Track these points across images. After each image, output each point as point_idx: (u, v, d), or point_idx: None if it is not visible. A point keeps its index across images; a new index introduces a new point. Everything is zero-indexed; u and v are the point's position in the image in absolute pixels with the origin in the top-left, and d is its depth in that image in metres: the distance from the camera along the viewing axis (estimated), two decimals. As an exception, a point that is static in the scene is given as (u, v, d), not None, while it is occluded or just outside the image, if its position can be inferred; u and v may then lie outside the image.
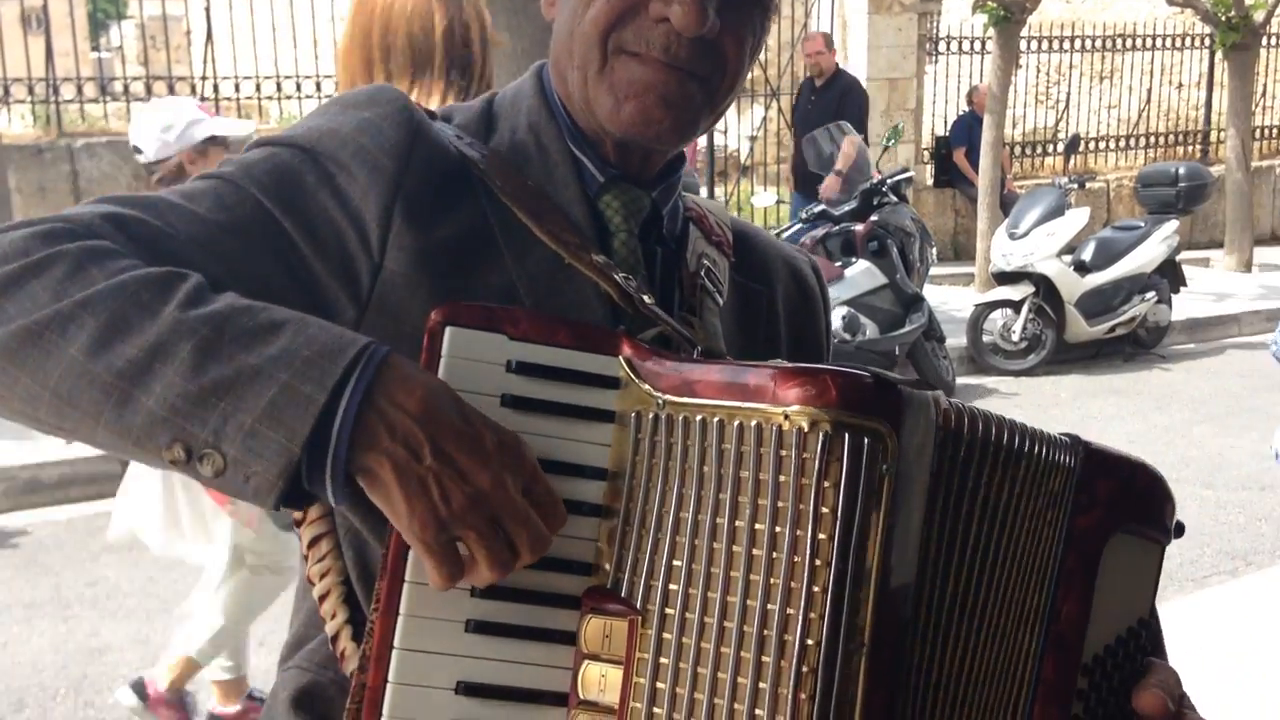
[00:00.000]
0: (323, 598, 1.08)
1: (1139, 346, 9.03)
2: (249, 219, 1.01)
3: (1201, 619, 4.50)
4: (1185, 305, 9.75)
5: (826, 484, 0.85)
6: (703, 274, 1.16)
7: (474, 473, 0.86)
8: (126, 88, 10.24)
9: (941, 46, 12.89)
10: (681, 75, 1.06)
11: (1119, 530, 1.02)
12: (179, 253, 0.95)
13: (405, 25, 2.29)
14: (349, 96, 1.10)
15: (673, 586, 0.91)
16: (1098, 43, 13.69)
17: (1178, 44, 14.03)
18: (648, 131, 1.08)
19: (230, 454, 0.84)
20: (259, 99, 10.58)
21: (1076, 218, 8.68)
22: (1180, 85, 14.62)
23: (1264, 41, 12.82)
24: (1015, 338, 8.45)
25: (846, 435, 0.85)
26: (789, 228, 8.98)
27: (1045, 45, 13.46)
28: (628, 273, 1.09)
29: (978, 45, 12.57)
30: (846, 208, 8.06)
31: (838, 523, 0.85)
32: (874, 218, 7.89)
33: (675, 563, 0.91)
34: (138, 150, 3.65)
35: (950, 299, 10.23)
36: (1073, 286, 8.56)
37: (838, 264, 7.79)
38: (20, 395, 0.87)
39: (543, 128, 1.13)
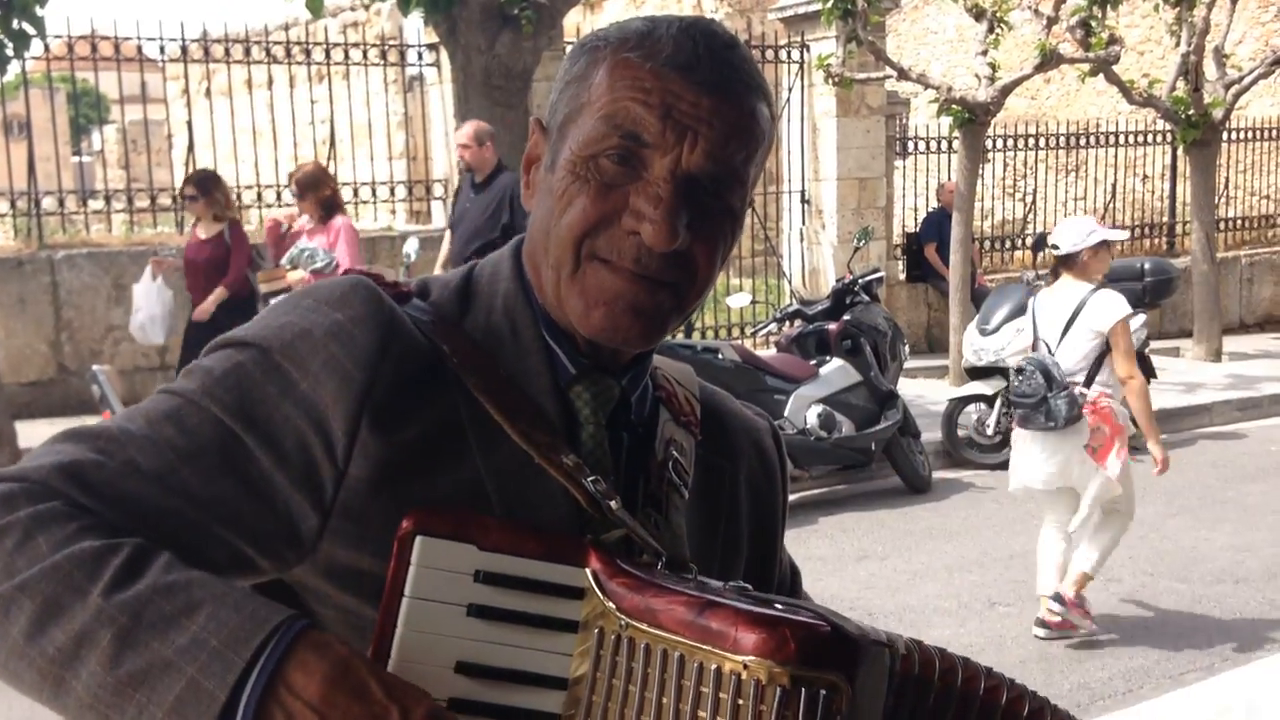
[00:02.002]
0: None
1: (1112, 439, 9.11)
2: (208, 442, 1.03)
3: (1177, 718, 4.51)
4: (1156, 396, 9.80)
5: None
6: (670, 466, 1.17)
7: None
8: (108, 198, 10.36)
9: (910, 146, 13.18)
10: (652, 284, 1.08)
11: None
12: (134, 494, 1.00)
13: None
14: (323, 292, 1.10)
15: None
16: (1063, 139, 14.01)
17: (1140, 140, 14.38)
18: (615, 338, 1.10)
19: None
20: (239, 206, 10.71)
21: (1046, 313, 8.82)
22: (1145, 177, 14.95)
23: (1224, 136, 13.15)
24: (989, 431, 8.53)
25: (802, 690, 0.89)
26: (761, 326, 9.11)
27: (1011, 143, 13.77)
28: (595, 466, 1.11)
29: (945, 144, 12.85)
30: (820, 307, 8.20)
31: None
32: (847, 317, 8.02)
33: None
34: (1055, 246, 5.29)
35: (925, 392, 10.33)
36: (1044, 381, 8.67)
37: (812, 362, 7.90)
38: None
39: (518, 314, 1.15)
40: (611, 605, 0.98)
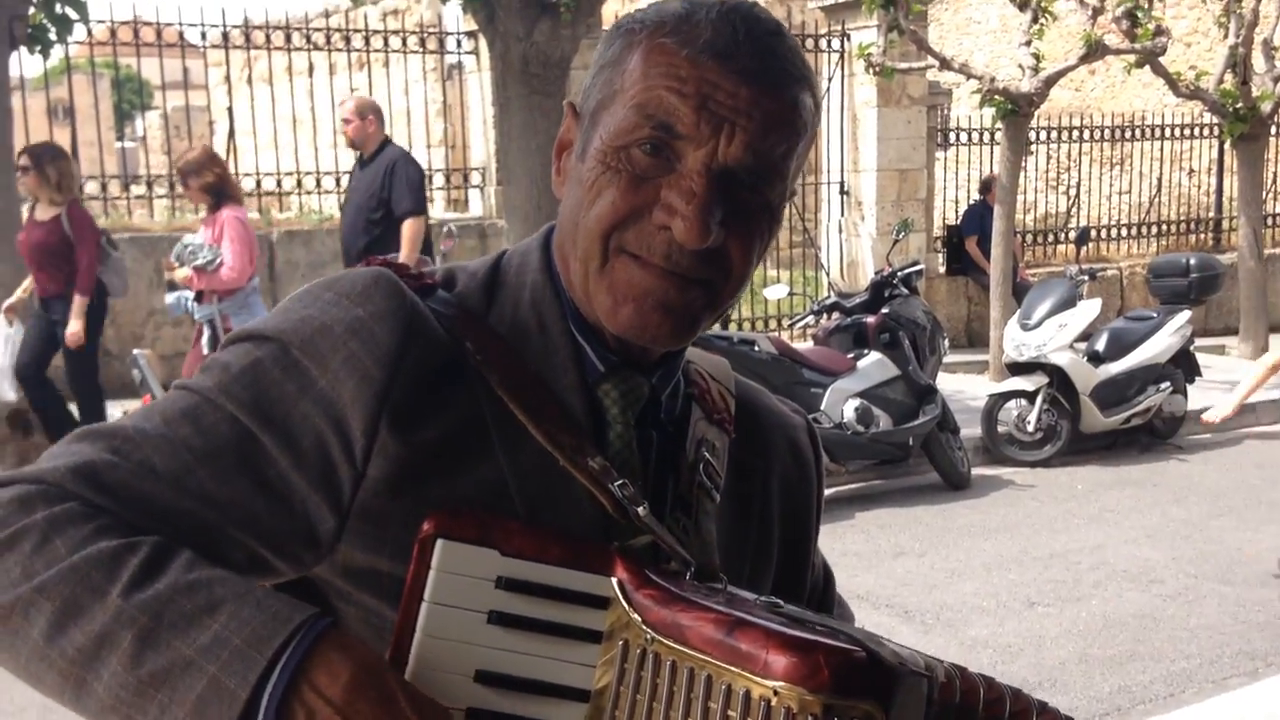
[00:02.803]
0: None
1: (1155, 437, 8.99)
2: (225, 442, 1.01)
3: (1222, 724, 4.43)
4: (1201, 394, 9.71)
5: None
6: (701, 468, 1.13)
7: None
8: (150, 183, 10.44)
9: (952, 137, 13.05)
10: (683, 282, 1.04)
11: None
12: (149, 494, 0.98)
13: None
14: (344, 284, 1.07)
15: None
16: (1107, 132, 13.83)
17: (1187, 133, 14.16)
18: (644, 335, 1.06)
19: None
20: (279, 193, 10.76)
21: (1088, 308, 8.70)
22: (1191, 172, 14.74)
23: (1272, 131, 12.93)
24: (1030, 428, 8.43)
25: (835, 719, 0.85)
26: (798, 318, 9.04)
27: (1055, 135, 13.60)
28: (623, 467, 1.07)
29: (987, 136, 12.71)
30: (858, 300, 8.12)
31: None
32: (885, 310, 7.94)
33: None
34: None
35: (965, 387, 10.23)
36: (1087, 377, 8.57)
37: (850, 355, 7.83)
38: (4, 666, 0.96)
39: (546, 308, 1.11)
40: (637, 618, 0.94)
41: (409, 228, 7.04)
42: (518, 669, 0.96)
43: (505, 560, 0.96)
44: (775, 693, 0.85)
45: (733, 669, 0.87)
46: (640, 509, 1.03)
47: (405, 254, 6.91)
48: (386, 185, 7.08)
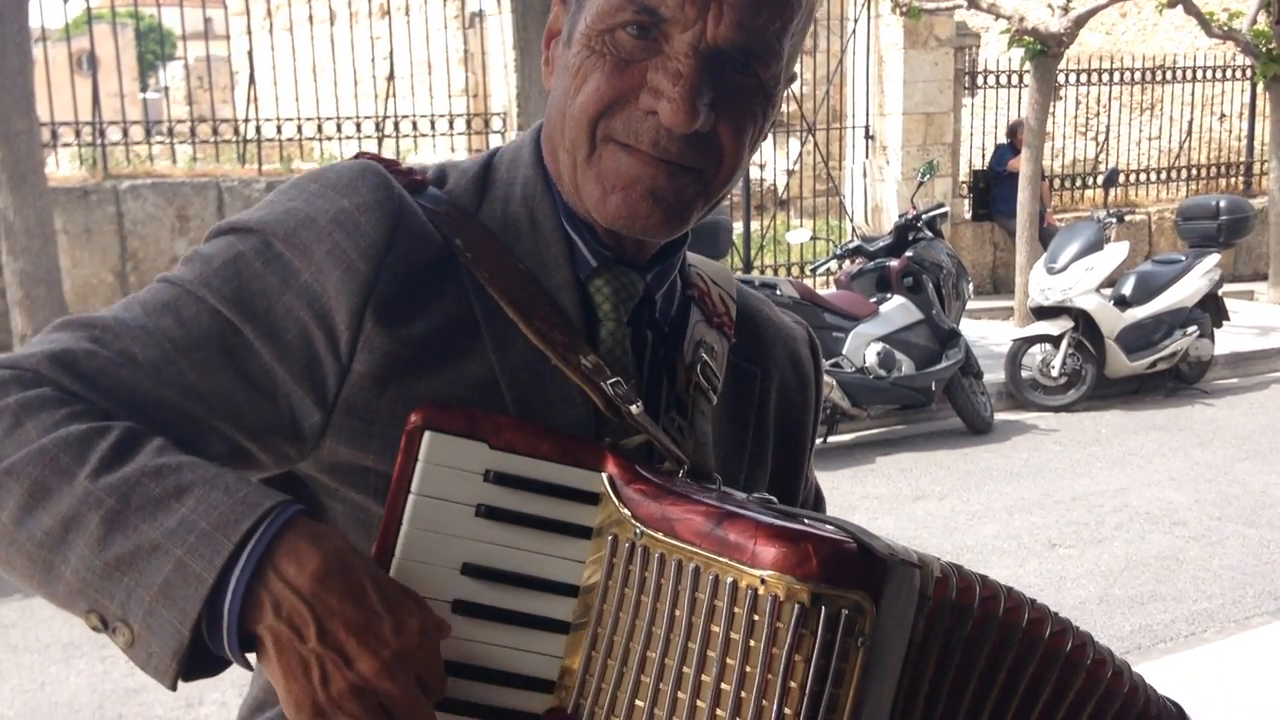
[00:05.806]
0: None
1: (1181, 381, 8.92)
2: (206, 333, 0.99)
3: (1243, 660, 4.41)
4: (1228, 339, 9.63)
5: (797, 657, 0.83)
6: (698, 369, 1.10)
7: (360, 659, 0.86)
8: (171, 130, 10.44)
9: (979, 80, 12.87)
10: (672, 168, 1.01)
11: None
12: (127, 383, 0.96)
13: None
14: (330, 176, 1.04)
15: None
16: (1137, 74, 13.61)
17: (1219, 75, 13.92)
18: (634, 226, 1.03)
19: (136, 629, 0.87)
20: (300, 140, 10.74)
21: (1116, 252, 8.61)
22: (1223, 116, 14.50)
23: (1307, 72, 12.68)
24: (1055, 373, 8.37)
25: (823, 608, 0.83)
26: (821, 263, 8.98)
27: (1084, 78, 13.39)
28: (614, 365, 1.05)
29: (1016, 79, 12.53)
30: (881, 243, 8.05)
31: (805, 699, 0.83)
32: (909, 253, 7.87)
33: (638, 703, 0.91)
34: None
35: (989, 333, 10.16)
36: (1113, 321, 8.49)
37: (873, 300, 7.78)
38: None
39: (537, 203, 1.08)
40: (627, 512, 0.93)
41: None
42: (505, 563, 0.95)
43: (494, 454, 0.94)
44: (762, 581, 0.84)
45: (721, 559, 0.86)
46: (634, 407, 1.01)
47: None
48: None
